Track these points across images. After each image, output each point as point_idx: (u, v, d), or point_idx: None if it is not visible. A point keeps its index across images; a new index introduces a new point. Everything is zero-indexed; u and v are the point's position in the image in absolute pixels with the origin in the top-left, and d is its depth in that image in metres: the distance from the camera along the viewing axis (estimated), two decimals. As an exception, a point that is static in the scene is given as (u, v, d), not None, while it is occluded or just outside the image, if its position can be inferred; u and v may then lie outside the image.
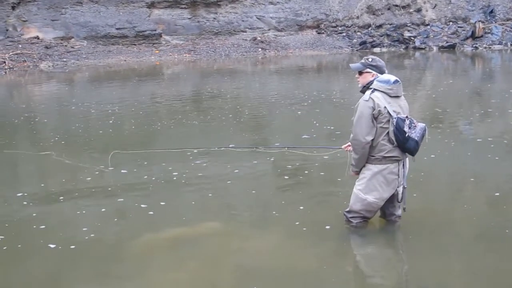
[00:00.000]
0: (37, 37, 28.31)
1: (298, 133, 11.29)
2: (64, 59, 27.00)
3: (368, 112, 5.87)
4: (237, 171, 8.90)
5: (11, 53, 26.33)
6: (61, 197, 7.83)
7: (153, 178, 8.64)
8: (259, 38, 32.38)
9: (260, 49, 31.37)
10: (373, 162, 6.00)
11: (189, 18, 32.02)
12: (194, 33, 31.93)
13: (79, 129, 12.58)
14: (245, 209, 7.35)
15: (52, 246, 6.12)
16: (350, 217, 6.31)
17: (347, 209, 6.33)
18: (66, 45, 28.52)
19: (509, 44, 32.83)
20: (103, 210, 7.33)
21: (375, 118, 5.86)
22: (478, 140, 10.59)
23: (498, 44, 32.88)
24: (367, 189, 6.06)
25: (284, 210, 7.07)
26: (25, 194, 8.00)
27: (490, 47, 32.40)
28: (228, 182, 8.45)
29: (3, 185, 8.72)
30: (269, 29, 33.36)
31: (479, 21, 34.18)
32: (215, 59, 29.15)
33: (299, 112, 14.13)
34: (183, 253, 6.00)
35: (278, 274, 5.47)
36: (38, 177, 9.06)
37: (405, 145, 5.84)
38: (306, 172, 8.80)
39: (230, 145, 9.87)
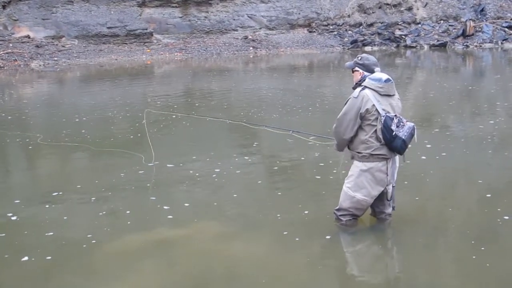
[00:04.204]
0: (28, 36, 28.19)
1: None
2: (55, 58, 26.91)
3: (354, 110, 5.91)
4: (270, 170, 8.97)
5: (1, 52, 26.20)
6: (93, 198, 7.63)
7: (197, 174, 8.60)
8: (250, 37, 32.39)
9: (251, 48, 31.38)
10: (361, 160, 6.02)
11: (180, 17, 32.00)
12: (186, 32, 31.90)
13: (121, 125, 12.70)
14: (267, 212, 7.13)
15: (25, 258, 5.83)
16: (340, 215, 6.31)
17: (337, 207, 6.34)
18: (57, 44, 28.43)
19: (499, 42, 32.99)
20: (127, 212, 7.12)
21: (362, 115, 5.90)
22: (468, 139, 10.63)
23: (489, 42, 33.05)
24: (355, 187, 6.08)
25: (289, 214, 6.93)
26: (60, 193, 7.87)
27: (480, 46, 32.55)
28: (259, 182, 8.41)
29: (46, 182, 8.69)
30: (260, 28, 33.37)
31: (470, 19, 34.33)
32: (207, 58, 29.13)
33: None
34: (171, 257, 5.92)
35: (267, 277, 5.44)
36: (84, 174, 8.92)
37: (392, 143, 5.85)
38: (311, 173, 8.72)
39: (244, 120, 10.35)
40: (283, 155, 9.68)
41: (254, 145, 10.54)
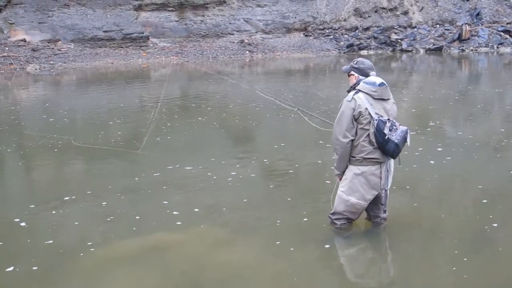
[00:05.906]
0: (24, 40, 28.15)
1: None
2: (51, 62, 26.82)
3: (349, 113, 5.92)
4: (280, 176, 8.92)
5: (-3, 56, 26.19)
6: (104, 202, 7.55)
7: (214, 177, 8.57)
8: (246, 41, 32.40)
9: (247, 52, 31.38)
10: (354, 163, 6.04)
11: (177, 21, 32.01)
12: (182, 36, 31.91)
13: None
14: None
15: (11, 268, 5.67)
16: (334, 219, 6.33)
17: (332, 211, 6.36)
18: (53, 48, 28.37)
19: (495, 46, 33.11)
20: (137, 217, 7.01)
21: (355, 119, 5.92)
22: (464, 143, 10.60)
23: (485, 46, 33.17)
24: (349, 190, 6.09)
25: (290, 220, 6.88)
26: (73, 197, 7.79)
27: (476, 50, 32.67)
28: (271, 186, 8.36)
29: (61, 186, 8.61)
30: (256, 32, 33.41)
31: (465, 23, 34.48)
32: (203, 61, 29.09)
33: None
34: (165, 264, 5.86)
35: (261, 283, 5.43)
36: (101, 178, 8.88)
37: (385, 147, 5.86)
38: (323, 178, 8.61)
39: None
40: (301, 158, 9.66)
41: (274, 147, 10.47)
